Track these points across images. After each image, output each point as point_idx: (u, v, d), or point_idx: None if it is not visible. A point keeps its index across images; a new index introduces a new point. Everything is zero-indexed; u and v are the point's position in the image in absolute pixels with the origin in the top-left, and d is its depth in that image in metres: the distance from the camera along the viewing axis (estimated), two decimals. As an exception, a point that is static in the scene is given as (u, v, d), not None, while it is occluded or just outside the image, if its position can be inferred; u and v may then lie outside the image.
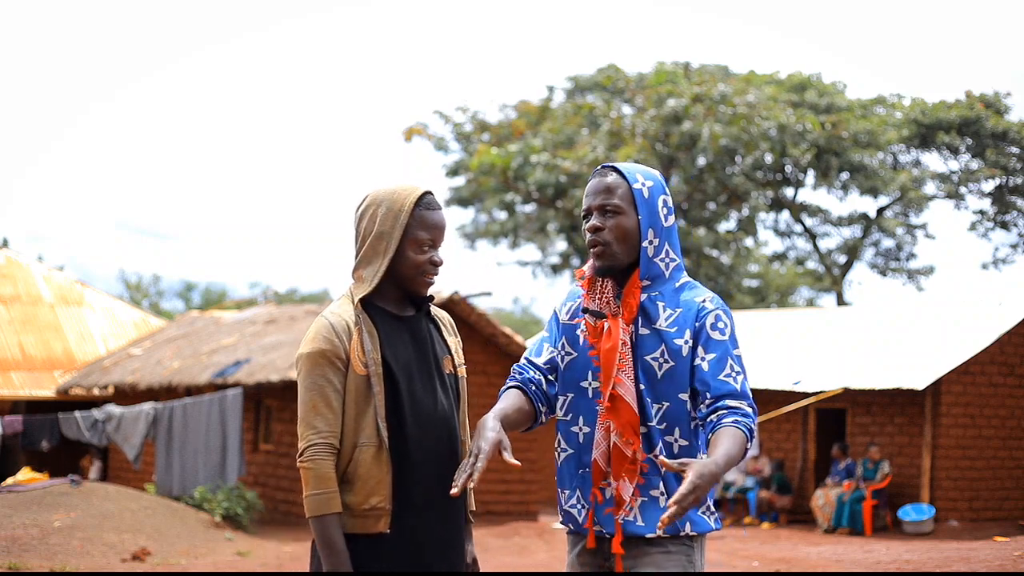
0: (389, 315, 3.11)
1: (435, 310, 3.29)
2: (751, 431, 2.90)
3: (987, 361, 16.00)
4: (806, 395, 16.33)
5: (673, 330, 2.97)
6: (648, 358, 2.98)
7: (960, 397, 15.89)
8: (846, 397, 16.37)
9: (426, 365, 3.11)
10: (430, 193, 3.12)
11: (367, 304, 3.10)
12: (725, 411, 2.90)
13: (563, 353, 3.13)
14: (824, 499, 15.68)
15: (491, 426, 2.93)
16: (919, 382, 14.99)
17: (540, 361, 3.18)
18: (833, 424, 17.33)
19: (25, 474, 13.93)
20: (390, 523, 2.98)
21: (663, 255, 3.04)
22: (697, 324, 2.97)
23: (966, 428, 15.92)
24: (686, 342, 2.96)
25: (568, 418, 3.09)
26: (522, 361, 3.24)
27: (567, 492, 3.10)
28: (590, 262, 3.11)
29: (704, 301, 3.00)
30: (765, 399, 17.35)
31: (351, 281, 3.15)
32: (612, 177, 3.05)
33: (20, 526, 11.76)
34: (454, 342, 3.25)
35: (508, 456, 2.88)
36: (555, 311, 3.22)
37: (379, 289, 3.11)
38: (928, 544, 12.52)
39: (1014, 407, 16.36)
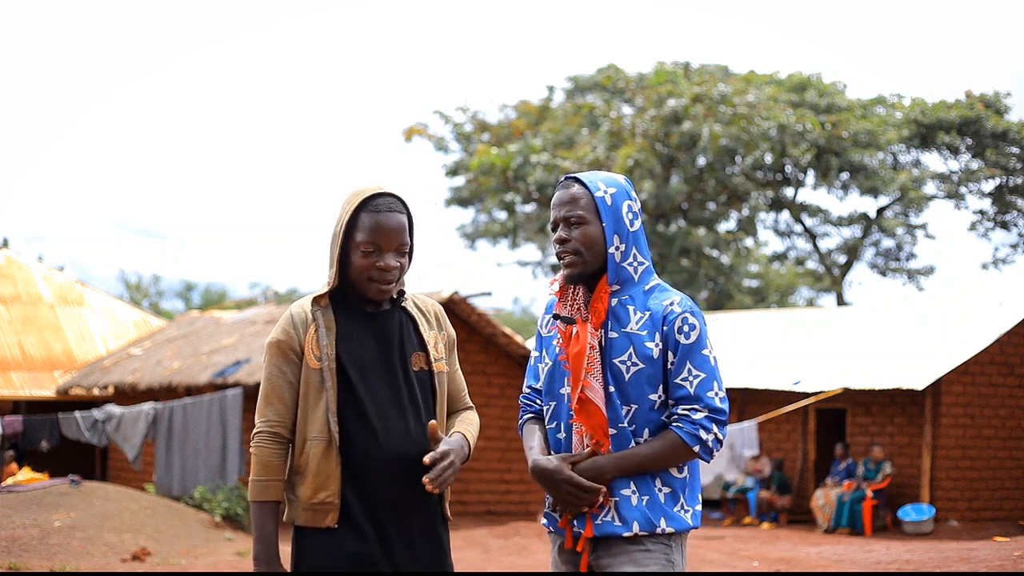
0: (356, 311, 3.10)
1: (421, 301, 3.25)
2: (695, 436, 2.99)
3: (987, 361, 16.01)
4: (806, 395, 16.34)
5: (643, 333, 3.04)
6: (617, 361, 3.04)
7: (960, 397, 15.90)
8: (846, 397, 16.38)
9: (389, 364, 3.07)
10: (386, 195, 3.07)
11: (337, 299, 3.10)
12: (675, 417, 3.03)
13: (544, 364, 3.21)
14: (824, 499, 15.69)
15: (550, 460, 3.08)
16: (919, 382, 15.00)
17: (538, 385, 3.27)
18: (833, 424, 17.34)
19: (25, 474, 13.93)
20: (339, 518, 2.99)
21: (631, 259, 3.10)
22: (665, 328, 3.03)
23: (966, 428, 15.92)
24: (656, 345, 3.03)
25: (553, 425, 3.16)
26: (525, 389, 3.32)
27: (548, 496, 3.17)
28: (562, 271, 3.18)
29: (672, 304, 3.05)
30: (765, 399, 17.35)
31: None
32: (575, 188, 3.12)
33: (20, 526, 11.76)
34: (433, 336, 3.19)
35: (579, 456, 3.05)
36: (538, 328, 3.30)
37: (345, 287, 3.11)
38: (928, 544, 12.52)
39: (1014, 407, 16.37)
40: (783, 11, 73.23)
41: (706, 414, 2.99)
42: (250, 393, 15.96)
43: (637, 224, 3.13)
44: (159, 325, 23.23)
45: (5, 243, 24.78)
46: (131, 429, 15.54)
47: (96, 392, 19.50)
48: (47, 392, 20.18)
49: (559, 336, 3.14)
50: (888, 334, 17.28)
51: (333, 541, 2.99)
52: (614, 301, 3.08)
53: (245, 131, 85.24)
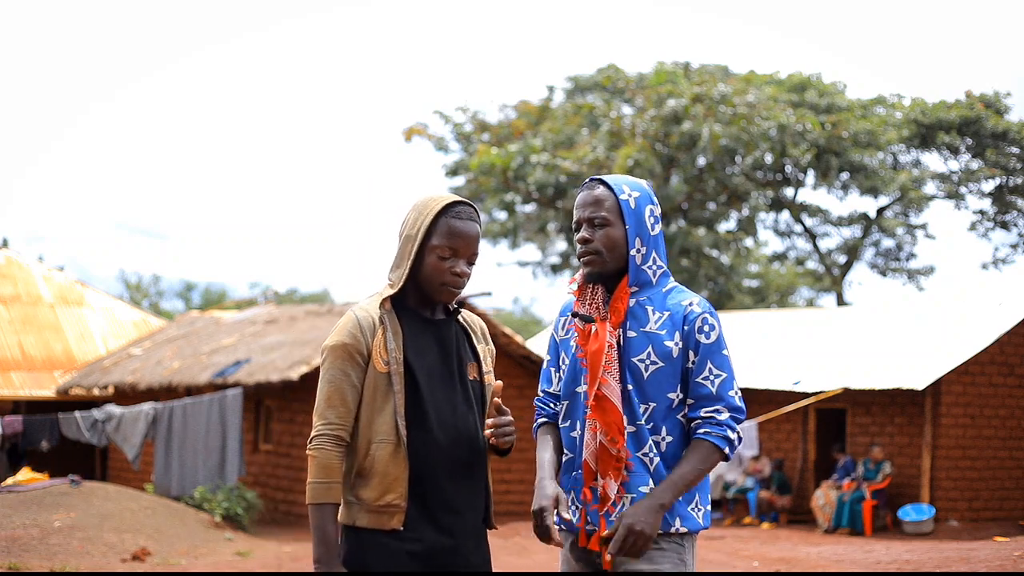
0: (418, 317, 3.16)
1: (467, 315, 3.33)
2: (725, 438, 3.08)
3: (987, 361, 16.00)
4: (806, 395, 16.34)
5: (662, 333, 3.11)
6: (635, 360, 3.11)
7: (960, 397, 15.89)
8: (846, 397, 16.38)
9: (449, 370, 3.15)
10: (464, 204, 3.16)
11: (398, 304, 3.16)
12: (700, 421, 3.10)
13: (561, 365, 3.27)
14: (824, 499, 15.69)
15: (549, 486, 3.14)
16: (919, 382, 14.99)
17: (553, 390, 3.32)
18: (833, 424, 17.34)
19: (25, 474, 13.93)
20: (404, 521, 3.03)
21: (651, 262, 3.18)
22: (686, 328, 3.12)
23: (966, 428, 15.92)
24: (676, 344, 3.10)
25: (567, 424, 3.22)
26: (540, 393, 3.37)
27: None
28: (581, 270, 3.24)
29: (691, 305, 3.14)
30: (765, 399, 17.34)
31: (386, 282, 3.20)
32: (600, 190, 3.19)
33: (20, 526, 11.76)
34: (483, 349, 3.30)
35: (564, 512, 3.09)
36: (552, 333, 3.35)
37: (408, 292, 3.17)
38: (928, 544, 12.52)
39: (1014, 407, 16.36)
40: (783, 11, 73.25)
41: (729, 414, 3.08)
42: (250, 393, 15.96)
43: (657, 228, 3.21)
44: (159, 325, 23.23)
45: (5, 243, 24.75)
46: (131, 429, 15.54)
47: (96, 392, 19.50)
48: (47, 392, 20.18)
49: (577, 334, 3.20)
50: (888, 334, 17.28)
51: (394, 543, 3.03)
52: (632, 301, 3.16)
53: (245, 131, 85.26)
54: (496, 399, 3.13)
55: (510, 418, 3.13)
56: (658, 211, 3.22)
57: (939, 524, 15.23)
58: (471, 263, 3.15)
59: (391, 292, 3.13)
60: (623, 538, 2.99)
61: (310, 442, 3.06)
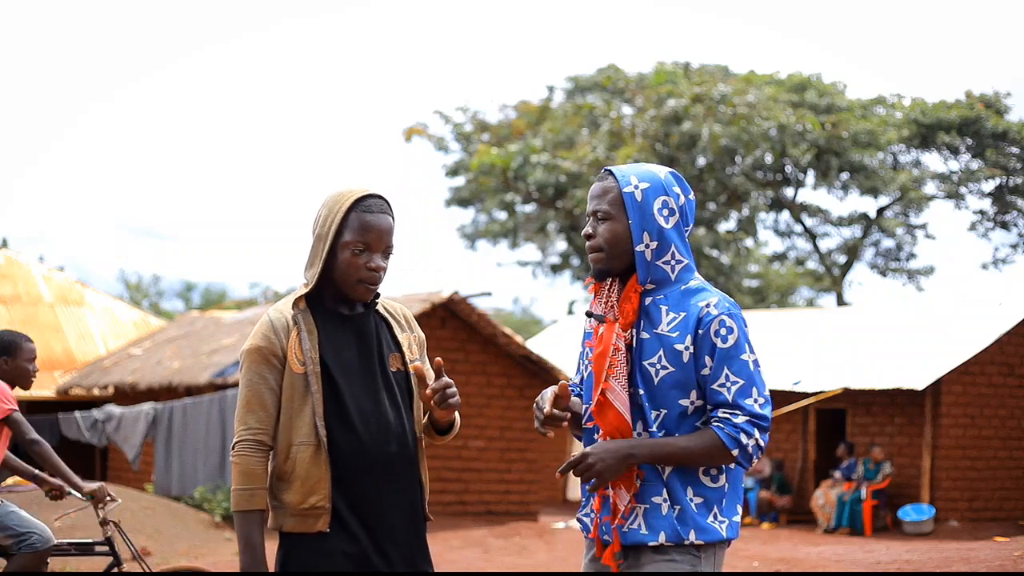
0: (334, 314, 3.09)
1: (390, 304, 3.24)
2: (734, 439, 2.86)
3: (987, 361, 16.01)
4: (806, 395, 16.34)
5: (675, 335, 2.92)
6: (647, 363, 2.94)
7: (960, 397, 15.90)
8: (846, 397, 16.38)
9: (369, 365, 3.07)
10: (375, 196, 3.06)
11: (313, 302, 3.08)
12: (716, 420, 2.90)
13: (586, 363, 3.13)
14: (824, 499, 15.69)
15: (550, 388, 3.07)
16: (919, 382, 15.00)
17: (579, 379, 3.23)
18: (833, 424, 17.35)
19: (25, 474, 13.91)
20: (330, 522, 2.97)
21: (667, 258, 2.97)
22: (700, 331, 2.90)
23: (966, 428, 15.93)
24: (687, 348, 2.90)
25: (590, 426, 3.06)
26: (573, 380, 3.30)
27: (583, 500, 3.12)
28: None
29: (708, 306, 2.92)
30: (765, 399, 17.36)
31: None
32: (607, 181, 3.03)
33: (20, 526, 11.74)
34: (406, 337, 3.19)
35: (561, 386, 2.98)
36: (584, 326, 3.22)
37: (324, 291, 3.09)
38: (928, 544, 12.53)
39: (1014, 407, 16.37)
40: (783, 11, 73.19)
41: (747, 419, 2.86)
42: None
43: (673, 221, 2.97)
44: (159, 325, 23.22)
45: (5, 243, 24.79)
46: (131, 429, 15.54)
47: (96, 392, 19.49)
48: (47, 392, 20.17)
49: (593, 335, 3.07)
50: (888, 334, 17.28)
51: (325, 544, 2.98)
52: (647, 300, 2.97)
53: (245, 131, 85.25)
54: (438, 359, 3.01)
55: (450, 380, 3.01)
56: (676, 203, 2.98)
57: (939, 524, 15.24)
58: (386, 256, 3.06)
59: (305, 291, 3.06)
60: (577, 463, 2.86)
61: (232, 448, 3.03)
